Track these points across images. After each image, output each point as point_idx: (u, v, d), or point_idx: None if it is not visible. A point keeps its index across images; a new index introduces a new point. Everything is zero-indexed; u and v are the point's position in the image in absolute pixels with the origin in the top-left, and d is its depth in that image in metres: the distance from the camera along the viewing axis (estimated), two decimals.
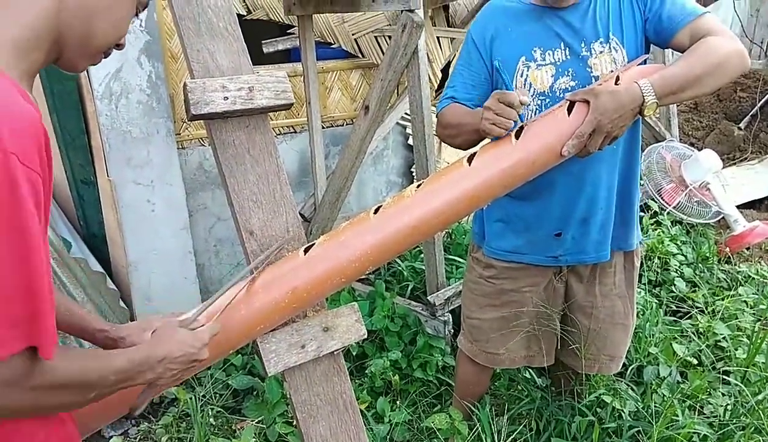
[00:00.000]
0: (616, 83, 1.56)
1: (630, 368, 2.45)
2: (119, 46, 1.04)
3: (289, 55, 3.98)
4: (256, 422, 2.41)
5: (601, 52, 1.69)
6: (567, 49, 1.70)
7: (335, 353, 1.50)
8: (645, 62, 1.73)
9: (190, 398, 2.40)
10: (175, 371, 1.07)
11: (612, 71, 1.67)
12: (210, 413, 2.47)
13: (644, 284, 3.19)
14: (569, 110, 1.52)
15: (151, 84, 2.63)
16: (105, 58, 1.03)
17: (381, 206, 1.45)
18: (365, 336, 1.55)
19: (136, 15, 1.04)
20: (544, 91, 1.72)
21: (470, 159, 1.50)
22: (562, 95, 1.68)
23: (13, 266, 0.78)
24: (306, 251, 1.39)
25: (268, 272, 1.36)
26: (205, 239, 3.28)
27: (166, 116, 2.69)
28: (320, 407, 1.49)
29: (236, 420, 2.51)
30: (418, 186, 1.48)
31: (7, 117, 0.78)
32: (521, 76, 1.73)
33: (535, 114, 1.73)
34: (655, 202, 4.08)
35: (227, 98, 1.43)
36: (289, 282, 1.34)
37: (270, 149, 1.52)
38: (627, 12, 1.70)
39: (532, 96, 1.73)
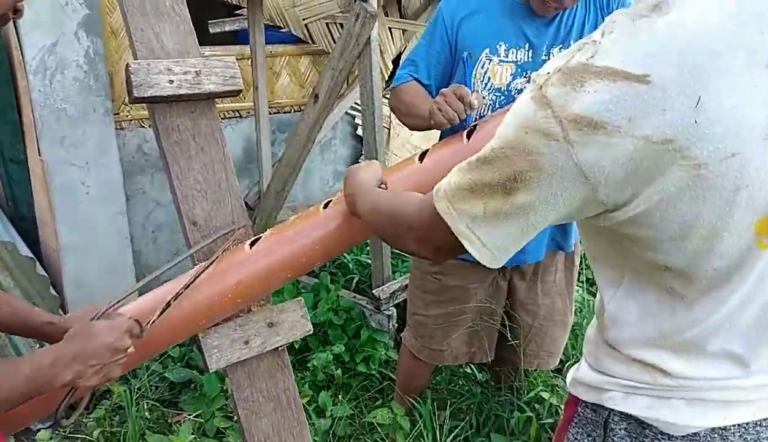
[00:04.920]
0: None
1: (567, 365, 2.51)
2: (17, 13, 0.96)
3: (236, 37, 3.87)
4: (194, 416, 2.34)
5: None
6: (531, 50, 1.70)
7: (279, 349, 1.46)
8: None
9: (125, 391, 2.30)
10: (96, 366, 0.98)
11: None
12: (145, 406, 2.38)
13: (582, 282, 3.26)
14: None
15: (89, 60, 2.49)
16: (2, 25, 0.98)
17: (331, 201, 1.41)
18: (311, 332, 1.52)
19: None
20: (501, 88, 1.72)
21: (422, 157, 1.48)
22: (516, 95, 1.69)
23: None
24: (252, 244, 1.35)
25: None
26: (143, 224, 3.16)
27: (104, 95, 2.56)
28: (263, 404, 1.46)
29: (173, 414, 2.43)
30: None
31: None
32: (482, 67, 1.72)
33: (489, 110, 1.73)
34: None
35: (172, 82, 1.36)
36: (234, 276, 1.29)
37: (216, 136, 1.46)
38: (591, 23, 1.72)
39: (489, 90, 1.73)
